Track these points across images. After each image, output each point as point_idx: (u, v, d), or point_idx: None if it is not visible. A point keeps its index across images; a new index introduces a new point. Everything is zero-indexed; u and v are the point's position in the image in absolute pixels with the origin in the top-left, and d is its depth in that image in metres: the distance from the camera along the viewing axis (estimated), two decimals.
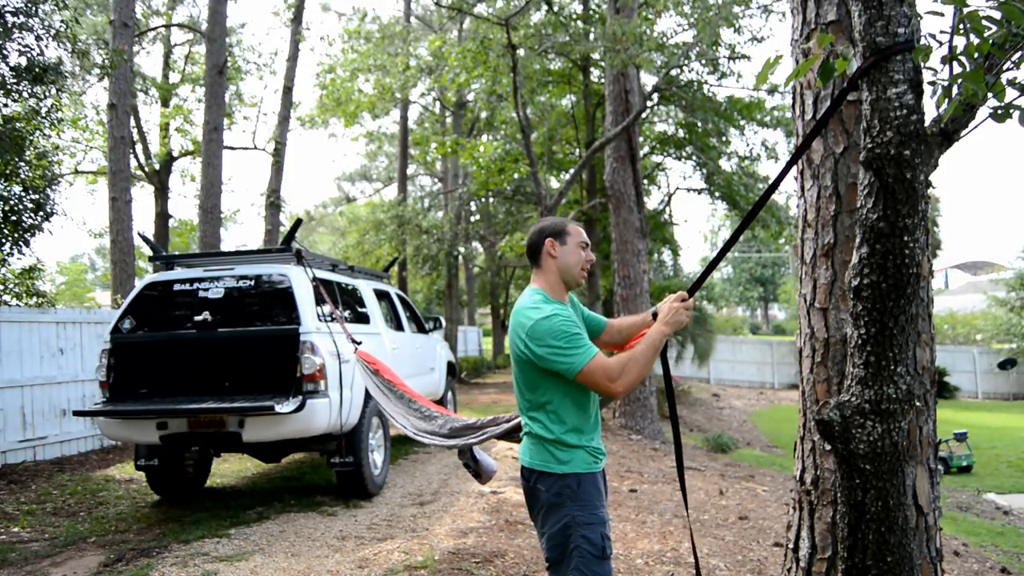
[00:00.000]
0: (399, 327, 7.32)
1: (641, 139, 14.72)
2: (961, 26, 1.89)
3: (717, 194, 16.50)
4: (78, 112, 16.70)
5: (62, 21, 7.89)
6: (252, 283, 5.34)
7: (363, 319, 6.35)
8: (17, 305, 8.58)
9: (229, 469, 6.98)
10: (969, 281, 42.71)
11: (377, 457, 5.86)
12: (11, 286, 8.78)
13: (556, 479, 2.18)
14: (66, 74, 9.29)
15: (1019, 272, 24.07)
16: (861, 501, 2.16)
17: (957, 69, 1.96)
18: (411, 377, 6.89)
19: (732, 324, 36.44)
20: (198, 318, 5.27)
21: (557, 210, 11.93)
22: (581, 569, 2.12)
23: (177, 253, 7.87)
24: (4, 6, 7.09)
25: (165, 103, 19.07)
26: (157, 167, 18.06)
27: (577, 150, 17.09)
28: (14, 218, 8.09)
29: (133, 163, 15.03)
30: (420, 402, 3.49)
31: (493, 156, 14.63)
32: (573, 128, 16.75)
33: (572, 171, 12.95)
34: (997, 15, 1.86)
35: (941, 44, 1.96)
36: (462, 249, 19.84)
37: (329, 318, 5.19)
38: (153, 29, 18.60)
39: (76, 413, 5.44)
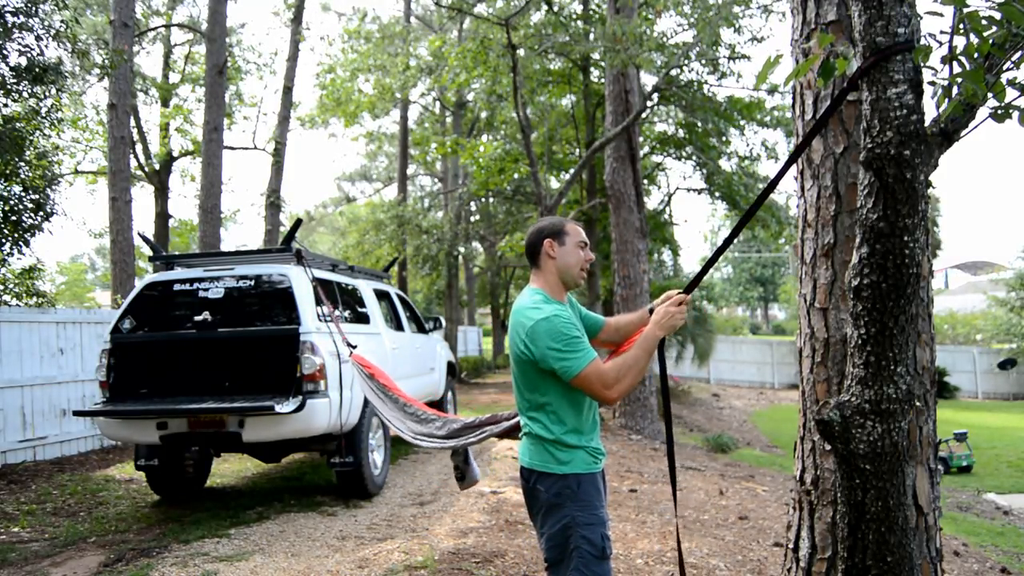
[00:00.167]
0: (399, 327, 7.32)
1: (641, 139, 14.72)
2: (961, 26, 1.89)
3: (717, 194, 16.49)
4: (78, 112, 16.70)
5: (62, 21, 7.89)
6: (252, 283, 5.34)
7: (363, 319, 6.35)
8: (17, 305, 8.58)
9: (229, 469, 6.98)
10: (969, 281, 42.71)
11: (377, 457, 5.86)
12: (11, 286, 8.78)
13: (556, 479, 2.18)
14: (66, 74, 9.29)
15: (1019, 272, 24.07)
16: (861, 501, 2.16)
17: (957, 69, 1.96)
18: (411, 377, 6.90)
19: (732, 324, 36.45)
20: (198, 318, 5.27)
21: (557, 210, 11.93)
22: (581, 569, 2.12)
23: (177, 253, 7.87)
24: (4, 6, 7.09)
25: (165, 103, 19.07)
26: (157, 167, 18.07)
27: (577, 150, 17.09)
28: (14, 218, 8.10)
29: (133, 163, 15.03)
30: (415, 406, 3.49)
31: (493, 156, 14.63)
32: (573, 128, 16.75)
33: (572, 171, 12.95)
34: (997, 15, 1.86)
35: (941, 44, 1.96)
36: (462, 249, 19.84)
37: (328, 319, 5.19)
38: (153, 29, 18.60)
39: (76, 413, 5.44)
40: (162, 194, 18.01)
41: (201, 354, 5.22)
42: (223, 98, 11.76)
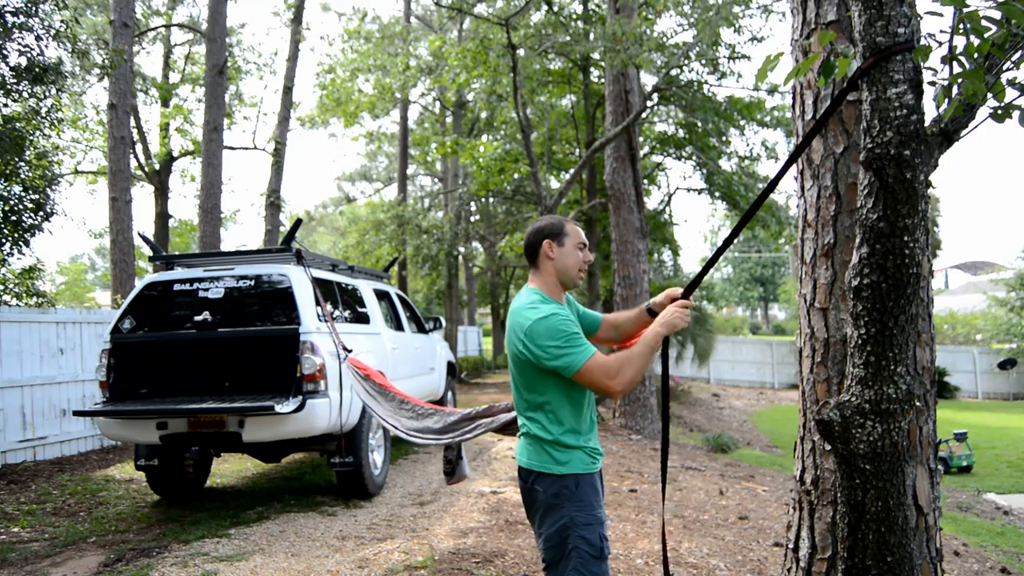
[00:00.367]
0: (399, 327, 7.32)
1: (641, 139, 14.73)
2: (961, 26, 1.89)
3: (717, 194, 16.50)
4: (78, 112, 16.71)
5: (62, 21, 7.89)
6: (252, 283, 5.34)
7: (363, 319, 6.35)
8: (17, 305, 8.58)
9: (229, 469, 6.98)
10: (969, 281, 42.70)
11: (377, 457, 5.86)
12: (11, 286, 8.78)
13: (554, 480, 2.18)
14: (66, 74, 9.28)
15: (1019, 272, 24.07)
16: (861, 501, 2.16)
17: (957, 69, 1.96)
18: (411, 377, 6.90)
19: (732, 324, 36.44)
20: (198, 318, 5.27)
21: (557, 210, 11.92)
22: (579, 570, 2.12)
23: (177, 253, 7.86)
24: (4, 6, 7.08)
25: (165, 103, 19.06)
26: (157, 167, 18.06)
27: (577, 150, 17.10)
28: (14, 218, 8.10)
29: (133, 163, 15.04)
30: (412, 402, 3.49)
31: (493, 156, 14.63)
32: (573, 128, 16.75)
33: (572, 171, 12.95)
34: (997, 15, 1.86)
35: (941, 44, 1.96)
36: (462, 249, 19.83)
37: (327, 319, 5.19)
38: (153, 29, 18.60)
39: (76, 413, 5.44)
40: (162, 194, 18.00)
41: (201, 354, 5.22)
42: (223, 98, 11.77)
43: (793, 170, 2.79)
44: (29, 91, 7.66)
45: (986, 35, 1.87)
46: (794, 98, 2.83)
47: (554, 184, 18.00)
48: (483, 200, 21.18)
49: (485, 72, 11.83)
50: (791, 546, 2.70)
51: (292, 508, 5.36)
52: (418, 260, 18.64)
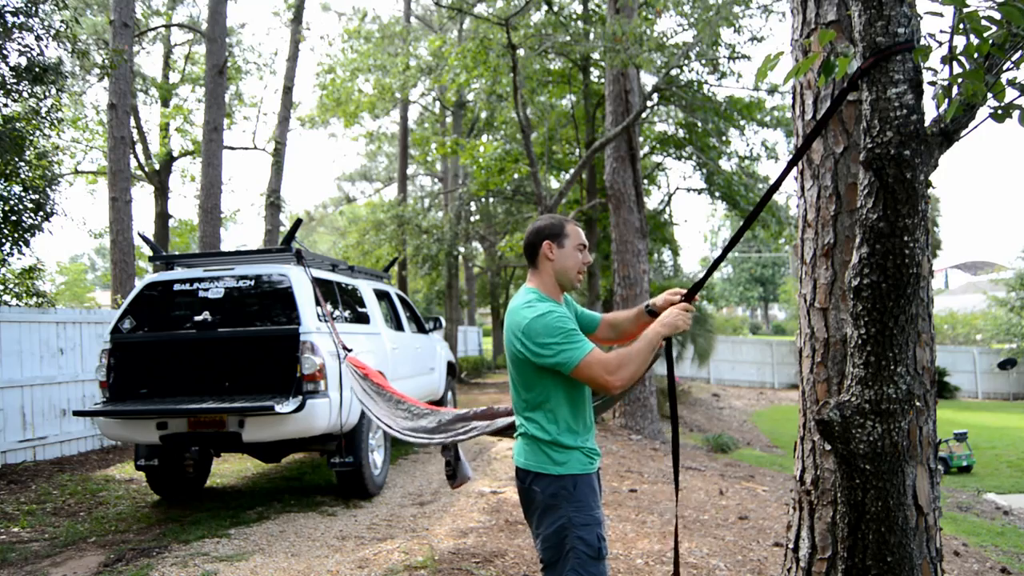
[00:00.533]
0: (399, 327, 7.32)
1: (641, 139, 14.72)
2: (961, 26, 1.89)
3: (717, 194, 16.50)
4: (78, 112, 16.70)
5: (62, 21, 7.89)
6: (252, 283, 5.34)
7: (363, 319, 6.35)
8: (17, 305, 8.58)
9: (229, 469, 6.98)
10: (969, 281, 42.70)
11: (377, 457, 5.86)
12: (11, 286, 8.78)
13: (552, 480, 2.17)
14: (66, 74, 9.28)
15: (1019, 272, 24.07)
16: (861, 501, 2.16)
17: (957, 69, 1.96)
18: (411, 377, 6.90)
19: (732, 324, 36.45)
20: (198, 318, 5.27)
21: (557, 210, 11.92)
22: (577, 570, 2.11)
23: (177, 253, 7.86)
24: (4, 6, 7.08)
25: (165, 103, 19.06)
26: (157, 167, 18.06)
27: (577, 150, 17.09)
28: (14, 218, 8.09)
29: (133, 163, 15.03)
30: (408, 402, 3.48)
31: (493, 156, 14.63)
32: (573, 128, 16.75)
33: (572, 171, 12.95)
34: (997, 15, 1.86)
35: (941, 44, 1.96)
36: (462, 249, 19.84)
37: (327, 319, 5.19)
38: (153, 29, 18.60)
39: (76, 413, 5.44)
40: (162, 194, 18.00)
41: (201, 354, 5.22)
42: (223, 98, 11.77)
43: (793, 170, 2.79)
44: (29, 91, 7.66)
45: (986, 35, 1.87)
46: (794, 98, 2.83)
47: (554, 184, 18.00)
48: (483, 200, 21.18)
49: (485, 72, 11.83)
50: (791, 546, 2.70)
51: (292, 508, 5.36)
52: (418, 260, 18.64)
